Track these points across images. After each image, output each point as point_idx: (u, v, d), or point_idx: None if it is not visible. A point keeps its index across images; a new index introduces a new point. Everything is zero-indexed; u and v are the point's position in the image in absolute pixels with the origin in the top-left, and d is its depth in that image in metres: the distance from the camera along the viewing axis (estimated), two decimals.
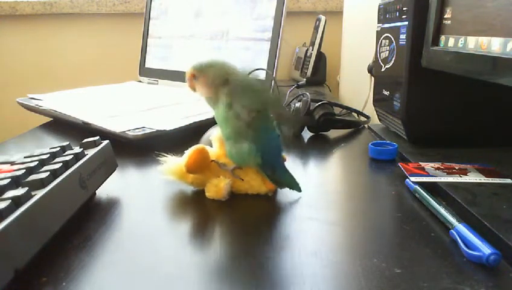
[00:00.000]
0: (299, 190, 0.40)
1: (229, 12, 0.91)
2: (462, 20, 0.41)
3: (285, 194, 0.40)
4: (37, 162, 0.34)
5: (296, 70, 1.33)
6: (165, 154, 0.43)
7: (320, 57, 1.23)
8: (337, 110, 0.70)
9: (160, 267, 0.28)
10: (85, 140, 0.42)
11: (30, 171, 0.33)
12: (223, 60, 0.39)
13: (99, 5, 1.48)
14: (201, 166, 0.40)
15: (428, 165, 0.44)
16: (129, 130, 0.56)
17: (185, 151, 0.40)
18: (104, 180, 0.40)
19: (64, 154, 0.37)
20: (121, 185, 0.44)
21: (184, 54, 0.98)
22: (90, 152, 0.39)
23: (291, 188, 0.40)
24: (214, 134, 0.42)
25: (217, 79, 0.38)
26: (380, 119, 0.66)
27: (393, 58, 0.56)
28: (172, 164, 0.42)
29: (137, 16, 1.49)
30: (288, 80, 1.41)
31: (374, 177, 0.45)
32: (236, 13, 0.89)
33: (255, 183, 0.40)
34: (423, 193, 0.38)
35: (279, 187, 0.41)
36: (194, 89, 0.40)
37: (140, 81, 1.09)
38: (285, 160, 0.42)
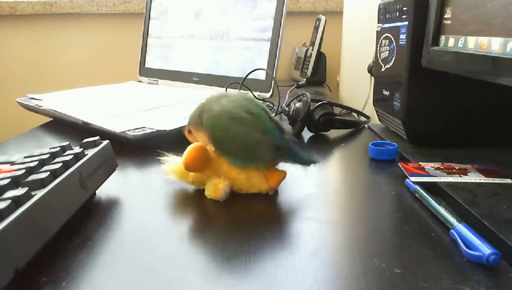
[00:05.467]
0: (315, 162, 0.41)
1: (229, 13, 0.91)
2: (462, 20, 0.41)
3: (285, 194, 0.41)
4: (37, 162, 0.34)
5: (296, 70, 1.33)
6: (166, 154, 0.43)
7: (320, 57, 1.23)
8: (337, 110, 0.70)
9: (160, 267, 0.28)
10: (85, 140, 0.42)
11: (30, 171, 0.33)
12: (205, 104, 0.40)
13: (99, 5, 1.48)
14: (201, 164, 0.39)
15: (428, 165, 0.44)
16: (129, 130, 0.56)
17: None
18: (104, 180, 0.40)
19: (64, 154, 0.37)
20: (121, 185, 0.44)
21: (184, 54, 0.98)
22: (90, 152, 0.39)
23: (309, 163, 0.41)
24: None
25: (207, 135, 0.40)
26: (380, 119, 0.66)
27: (393, 58, 0.56)
28: (173, 164, 0.42)
29: (137, 16, 1.49)
30: (288, 80, 1.41)
31: (374, 177, 0.45)
32: (236, 13, 0.89)
33: (256, 181, 0.39)
34: (423, 193, 0.38)
35: (303, 164, 0.41)
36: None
37: (140, 81, 1.09)
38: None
